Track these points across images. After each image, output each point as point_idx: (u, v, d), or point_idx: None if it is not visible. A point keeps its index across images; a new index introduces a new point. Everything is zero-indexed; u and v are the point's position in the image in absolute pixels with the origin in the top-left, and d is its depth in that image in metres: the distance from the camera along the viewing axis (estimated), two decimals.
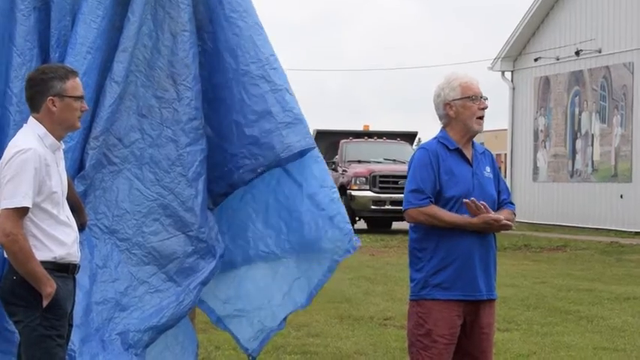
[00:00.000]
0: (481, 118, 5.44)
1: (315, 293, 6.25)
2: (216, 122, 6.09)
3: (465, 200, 5.28)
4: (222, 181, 6.05)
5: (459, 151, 5.42)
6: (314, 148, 6.09)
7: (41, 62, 5.71)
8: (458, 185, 5.35)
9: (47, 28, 5.85)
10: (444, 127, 5.50)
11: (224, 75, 6.05)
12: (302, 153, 6.02)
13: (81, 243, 5.30)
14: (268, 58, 6.05)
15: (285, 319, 6.29)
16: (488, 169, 5.50)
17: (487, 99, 5.48)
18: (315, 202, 6.06)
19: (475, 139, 5.57)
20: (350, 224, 6.14)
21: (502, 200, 5.54)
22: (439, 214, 5.29)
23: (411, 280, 5.44)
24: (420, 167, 5.36)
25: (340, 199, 6.21)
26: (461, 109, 5.41)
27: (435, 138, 5.49)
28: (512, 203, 5.61)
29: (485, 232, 5.35)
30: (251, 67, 6.00)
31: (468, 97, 5.40)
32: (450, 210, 5.32)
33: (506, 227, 5.41)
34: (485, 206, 5.29)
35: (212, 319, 6.37)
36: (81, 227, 5.45)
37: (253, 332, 6.28)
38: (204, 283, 5.92)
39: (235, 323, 6.30)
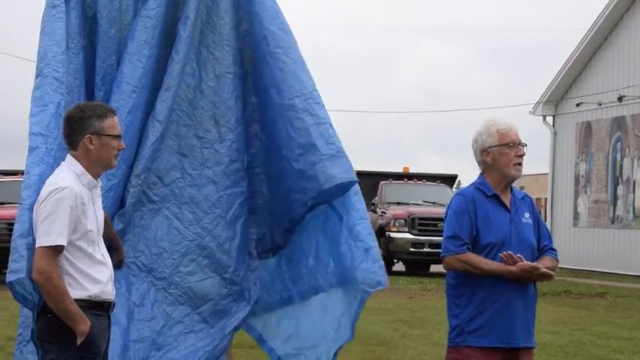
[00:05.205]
0: (519, 164, 5.39)
1: (354, 325, 6.19)
2: (271, 160, 6.08)
3: (500, 254, 5.24)
4: (285, 217, 6.04)
5: (496, 198, 5.39)
6: (356, 182, 6.01)
7: (87, 100, 5.73)
8: (494, 232, 5.31)
9: (93, 67, 5.89)
10: (482, 173, 5.47)
11: (272, 111, 6.04)
12: (346, 188, 5.97)
13: (119, 281, 5.30)
14: (312, 93, 6.02)
15: (336, 354, 6.23)
16: (527, 214, 5.45)
17: (525, 145, 5.43)
18: (353, 233, 5.97)
19: (515, 184, 5.53)
20: (382, 260, 6.05)
21: (543, 247, 5.48)
22: (477, 262, 5.26)
23: (449, 327, 5.40)
24: (458, 214, 5.35)
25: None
26: (498, 156, 5.38)
27: (473, 184, 5.47)
28: (553, 249, 5.53)
29: (526, 281, 5.30)
30: (295, 100, 5.96)
31: (506, 145, 5.37)
32: (486, 257, 5.28)
33: (547, 276, 5.34)
34: (521, 258, 5.23)
35: (272, 358, 6.32)
36: (118, 264, 5.46)
37: None
38: (237, 328, 5.92)
39: None
